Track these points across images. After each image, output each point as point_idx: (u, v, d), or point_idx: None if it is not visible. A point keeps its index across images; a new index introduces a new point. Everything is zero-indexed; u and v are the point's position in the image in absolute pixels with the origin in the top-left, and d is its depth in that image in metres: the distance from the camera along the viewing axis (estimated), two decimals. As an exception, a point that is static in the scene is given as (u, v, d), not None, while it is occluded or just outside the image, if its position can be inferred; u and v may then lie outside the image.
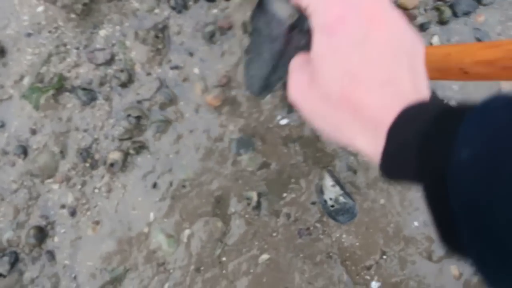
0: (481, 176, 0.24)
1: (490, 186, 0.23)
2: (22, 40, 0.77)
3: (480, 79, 0.72)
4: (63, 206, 0.77)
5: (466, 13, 0.84)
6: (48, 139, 0.77)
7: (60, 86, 0.77)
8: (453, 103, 0.86)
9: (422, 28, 0.84)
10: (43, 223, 0.77)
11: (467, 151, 0.24)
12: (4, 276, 0.75)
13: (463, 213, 0.25)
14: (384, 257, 0.82)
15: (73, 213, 0.77)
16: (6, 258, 0.75)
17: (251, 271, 0.80)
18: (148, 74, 0.78)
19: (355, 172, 0.82)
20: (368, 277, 0.82)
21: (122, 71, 0.77)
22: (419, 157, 0.29)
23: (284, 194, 0.81)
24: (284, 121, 0.80)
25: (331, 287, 0.81)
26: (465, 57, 0.66)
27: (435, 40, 0.84)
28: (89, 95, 0.77)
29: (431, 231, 0.83)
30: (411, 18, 0.83)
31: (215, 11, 0.79)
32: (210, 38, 0.78)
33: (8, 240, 0.76)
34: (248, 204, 0.80)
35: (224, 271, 0.79)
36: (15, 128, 0.77)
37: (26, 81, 0.77)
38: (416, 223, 0.83)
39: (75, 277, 0.77)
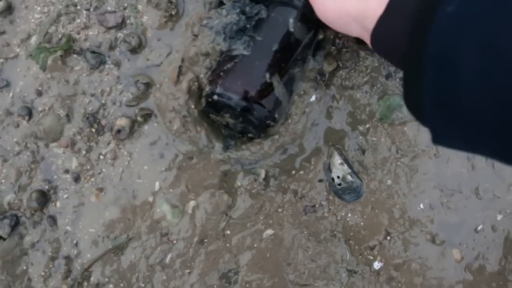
0: (457, 30, 0.25)
1: (463, 38, 0.24)
2: (30, -3, 0.75)
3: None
4: (66, 171, 0.75)
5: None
6: (54, 102, 0.75)
7: (69, 48, 0.74)
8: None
9: None
10: (45, 187, 0.75)
11: (452, 7, 0.26)
12: (4, 239, 0.74)
13: (432, 66, 0.26)
14: (388, 238, 0.82)
15: (76, 179, 0.76)
16: (6, 221, 0.73)
17: (255, 245, 0.79)
18: (159, 39, 0.76)
19: (363, 151, 0.81)
20: (371, 257, 0.82)
21: (132, 36, 0.75)
22: (412, 18, 0.31)
23: (293, 171, 0.80)
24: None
25: (333, 265, 0.81)
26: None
27: None
28: (98, 59, 0.75)
29: (436, 214, 0.83)
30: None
31: (231, -21, 0.77)
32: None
33: (9, 203, 0.74)
34: (255, 180, 0.79)
35: (227, 245, 0.79)
36: (20, 88, 0.75)
37: (34, 40, 0.74)
38: (421, 206, 0.83)
39: (76, 244, 0.75)
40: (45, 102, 0.75)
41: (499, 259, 0.86)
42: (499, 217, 0.86)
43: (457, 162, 0.84)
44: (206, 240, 0.78)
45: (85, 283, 0.76)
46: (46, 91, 0.75)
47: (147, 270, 0.77)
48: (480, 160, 0.85)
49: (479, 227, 0.85)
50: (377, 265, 0.82)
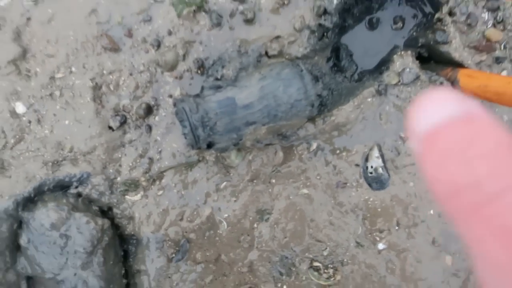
0: None
1: None
2: (185, -39, 0.97)
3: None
4: (170, 96, 0.98)
5: (537, 61, 0.99)
6: (178, 42, 0.97)
7: (201, 6, 0.97)
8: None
9: (496, 60, 0.99)
10: (152, 103, 0.98)
11: None
12: (113, 130, 0.97)
13: None
14: (397, 227, 0.99)
15: (175, 104, 0.98)
16: (118, 118, 0.97)
17: (291, 198, 0.99)
18: (268, 19, 0.97)
19: (398, 153, 0.99)
20: (378, 238, 0.99)
21: (250, 11, 0.96)
22: None
23: (338, 151, 0.99)
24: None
25: (346, 233, 0.99)
26: (524, 88, 0.82)
27: (503, 74, 1.00)
28: (220, 20, 0.97)
29: (442, 222, 0.99)
30: (490, 49, 0.99)
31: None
32: None
33: (124, 106, 0.98)
34: (307, 148, 0.99)
35: (270, 190, 0.99)
36: (158, 25, 0.98)
37: (178, -7, 0.97)
38: (432, 211, 0.99)
39: (160, 151, 0.98)
40: (172, 40, 0.97)
41: (482, 277, 1.01)
42: (494, 243, 1.01)
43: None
44: (255, 181, 0.99)
45: (157, 182, 0.98)
46: (175, 33, 0.97)
47: (205, 188, 0.98)
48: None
49: (474, 245, 1.00)
50: (381, 246, 0.99)
